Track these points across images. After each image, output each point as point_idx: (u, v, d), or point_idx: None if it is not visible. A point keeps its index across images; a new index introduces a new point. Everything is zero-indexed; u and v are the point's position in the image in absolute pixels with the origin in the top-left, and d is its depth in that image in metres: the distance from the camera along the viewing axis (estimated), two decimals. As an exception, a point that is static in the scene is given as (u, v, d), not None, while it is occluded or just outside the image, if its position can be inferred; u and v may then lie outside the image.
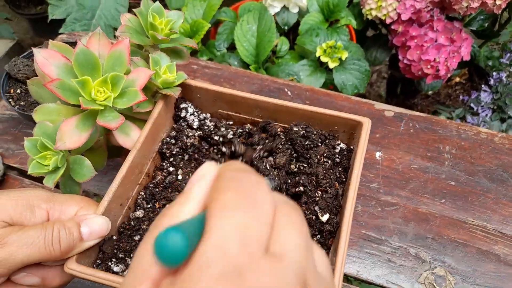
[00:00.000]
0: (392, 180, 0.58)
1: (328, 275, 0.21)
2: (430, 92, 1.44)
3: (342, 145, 0.42)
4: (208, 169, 0.21)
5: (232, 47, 0.98)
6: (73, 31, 0.92)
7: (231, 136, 0.42)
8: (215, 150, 0.42)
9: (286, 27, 0.99)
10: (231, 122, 0.46)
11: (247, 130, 0.43)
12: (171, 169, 0.42)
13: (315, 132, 0.40)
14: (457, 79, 1.42)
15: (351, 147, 0.42)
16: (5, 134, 0.63)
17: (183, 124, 0.44)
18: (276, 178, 0.37)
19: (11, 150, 0.62)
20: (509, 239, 0.53)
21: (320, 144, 0.40)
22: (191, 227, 0.17)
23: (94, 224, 0.34)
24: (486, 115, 1.21)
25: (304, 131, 0.40)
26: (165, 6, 1.11)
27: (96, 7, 0.92)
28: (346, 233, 0.34)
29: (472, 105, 1.21)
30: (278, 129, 0.41)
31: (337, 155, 0.41)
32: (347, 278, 0.53)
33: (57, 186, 0.42)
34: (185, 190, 0.21)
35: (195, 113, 0.45)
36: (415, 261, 0.52)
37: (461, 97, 1.29)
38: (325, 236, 0.37)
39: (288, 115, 0.42)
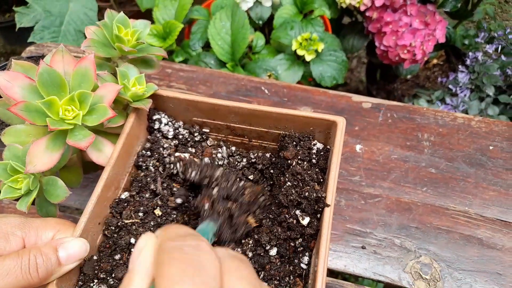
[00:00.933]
0: (373, 172, 0.58)
1: None
2: (409, 76, 1.45)
3: (319, 145, 0.42)
4: (145, 242, 0.21)
5: (207, 46, 0.97)
6: (42, 39, 0.89)
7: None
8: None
9: (260, 22, 0.98)
10: (207, 130, 0.45)
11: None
12: (147, 179, 0.41)
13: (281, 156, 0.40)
14: (435, 61, 1.43)
15: (328, 147, 0.42)
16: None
17: (157, 135, 0.44)
18: (221, 217, 0.36)
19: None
20: (491, 222, 0.54)
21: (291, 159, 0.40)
22: None
23: (72, 247, 0.33)
24: (465, 95, 1.22)
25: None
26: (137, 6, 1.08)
27: (64, 13, 0.90)
28: (327, 235, 0.34)
29: (450, 86, 1.22)
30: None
31: (313, 156, 0.41)
32: (333, 273, 0.53)
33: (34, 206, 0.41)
34: (128, 270, 0.21)
35: (169, 122, 0.44)
36: (400, 251, 0.52)
37: (439, 79, 1.30)
38: (307, 239, 0.37)
39: (263, 119, 0.42)
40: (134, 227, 0.37)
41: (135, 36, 0.43)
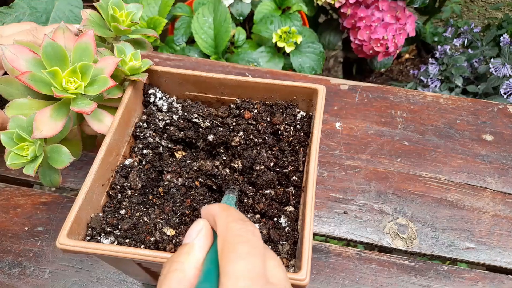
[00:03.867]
0: (352, 146, 0.63)
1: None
2: (383, 70, 1.52)
3: (302, 113, 0.46)
4: (203, 224, 0.27)
5: (191, 41, 1.01)
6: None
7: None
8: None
9: (241, 18, 1.02)
10: (197, 103, 0.49)
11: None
12: (144, 151, 0.45)
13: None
14: (407, 56, 1.51)
15: (310, 114, 0.46)
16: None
17: (153, 108, 0.47)
18: (236, 187, 0.41)
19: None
20: (460, 186, 0.59)
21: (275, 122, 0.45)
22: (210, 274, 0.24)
23: None
24: (436, 86, 1.29)
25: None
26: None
27: (50, 10, 0.92)
28: (313, 185, 0.37)
29: (422, 78, 1.29)
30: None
31: (298, 122, 0.45)
32: (320, 236, 0.57)
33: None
34: (187, 241, 0.27)
35: (164, 97, 0.47)
36: (379, 214, 0.56)
37: (411, 71, 1.37)
38: (296, 193, 0.41)
39: (250, 90, 0.46)
40: (138, 185, 0.40)
41: (129, 17, 0.47)
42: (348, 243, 0.56)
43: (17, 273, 0.52)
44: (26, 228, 0.56)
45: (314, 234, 0.56)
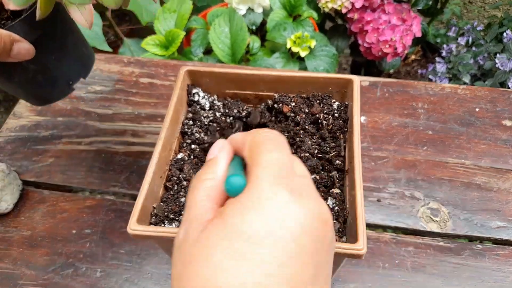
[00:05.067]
0: (378, 138, 0.66)
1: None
2: (391, 71, 1.55)
3: (338, 103, 0.49)
4: (224, 142, 0.30)
5: (207, 52, 1.04)
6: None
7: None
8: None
9: (254, 27, 1.06)
10: (237, 101, 0.52)
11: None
12: (192, 146, 0.47)
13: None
14: (413, 57, 1.54)
15: (346, 103, 0.48)
16: (16, 153, 0.66)
17: (197, 107, 0.50)
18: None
19: (25, 166, 0.65)
20: (485, 169, 0.62)
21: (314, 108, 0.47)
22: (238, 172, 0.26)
23: (23, 46, 0.39)
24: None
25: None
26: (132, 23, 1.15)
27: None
28: (359, 165, 0.40)
29: (430, 76, 1.32)
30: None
31: (335, 111, 0.48)
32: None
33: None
34: (211, 157, 0.29)
35: (205, 96, 0.50)
36: (411, 200, 0.59)
37: (419, 71, 1.41)
38: (339, 176, 0.44)
39: (288, 84, 0.49)
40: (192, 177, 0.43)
41: None
42: (385, 229, 0.58)
43: (70, 273, 0.55)
44: (74, 231, 0.58)
45: (351, 222, 0.58)
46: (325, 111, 0.47)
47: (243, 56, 1.01)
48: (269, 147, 0.26)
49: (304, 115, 0.47)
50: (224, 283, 0.20)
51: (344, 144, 0.46)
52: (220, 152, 0.29)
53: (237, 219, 0.22)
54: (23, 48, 0.39)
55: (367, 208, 0.58)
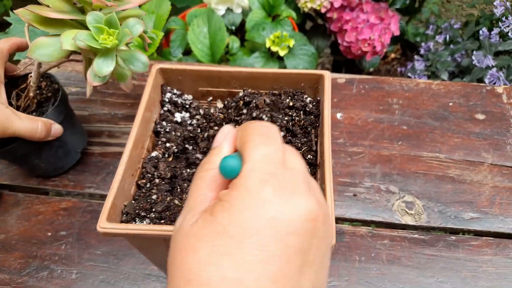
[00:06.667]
0: (354, 134, 0.66)
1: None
2: (371, 70, 1.57)
3: (310, 98, 0.49)
4: (229, 127, 0.30)
5: (187, 53, 1.04)
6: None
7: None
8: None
9: (233, 27, 1.06)
10: (211, 98, 0.52)
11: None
12: (167, 144, 0.47)
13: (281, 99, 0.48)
14: (393, 55, 1.56)
15: (318, 99, 0.49)
16: (-11, 156, 0.65)
17: (169, 106, 0.50)
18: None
19: (-1, 170, 0.64)
20: (459, 162, 0.63)
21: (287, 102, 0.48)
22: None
23: (57, 128, 0.54)
24: (423, 81, 1.34)
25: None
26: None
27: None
28: (329, 159, 0.40)
29: (409, 74, 1.34)
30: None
31: (307, 106, 0.48)
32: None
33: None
34: (216, 144, 0.29)
35: (178, 94, 0.50)
36: (386, 194, 0.60)
37: (398, 69, 1.42)
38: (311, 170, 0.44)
39: (260, 81, 0.49)
40: (168, 175, 0.43)
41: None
42: (361, 223, 0.58)
43: (45, 276, 0.54)
44: (49, 234, 0.58)
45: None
46: (296, 107, 0.47)
47: (223, 56, 1.02)
48: (257, 141, 0.26)
49: (275, 112, 0.48)
50: (206, 275, 0.22)
51: (316, 139, 0.46)
52: (224, 141, 0.29)
53: (225, 218, 0.23)
54: (57, 129, 0.54)
55: (344, 203, 0.59)
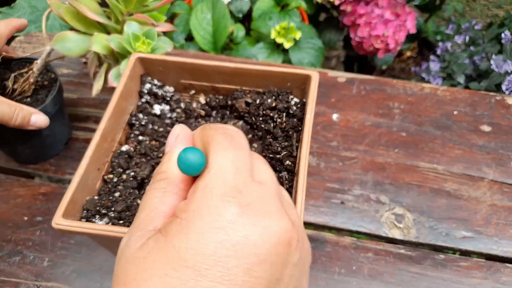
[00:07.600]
0: (349, 137, 0.63)
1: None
2: (384, 67, 1.52)
3: (296, 100, 0.46)
4: (180, 128, 0.26)
5: (189, 39, 1.01)
6: (29, 32, 0.92)
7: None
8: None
9: (240, 15, 1.03)
10: (193, 92, 0.49)
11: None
12: (140, 137, 0.45)
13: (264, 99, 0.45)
14: (408, 54, 1.51)
15: (304, 101, 0.46)
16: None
17: (148, 97, 0.47)
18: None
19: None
20: (457, 176, 0.59)
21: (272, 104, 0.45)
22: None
23: (40, 118, 0.50)
24: (437, 83, 1.29)
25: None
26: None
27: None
28: (304, 168, 0.38)
29: (423, 75, 1.29)
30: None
31: (291, 108, 0.45)
32: (317, 226, 0.57)
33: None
34: (167, 147, 0.26)
35: (159, 86, 0.48)
36: (376, 204, 0.57)
37: (412, 69, 1.37)
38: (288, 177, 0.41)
39: (245, 77, 0.46)
40: (137, 170, 0.41)
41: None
42: (346, 233, 0.56)
43: (17, 261, 0.53)
44: (26, 218, 0.56)
45: (311, 224, 0.56)
46: (279, 108, 0.44)
47: (226, 45, 0.99)
48: (223, 144, 0.22)
49: (259, 112, 0.45)
50: None
51: (297, 144, 0.43)
52: (175, 144, 0.25)
53: (181, 241, 0.20)
54: (41, 120, 0.50)
55: (329, 210, 0.56)
